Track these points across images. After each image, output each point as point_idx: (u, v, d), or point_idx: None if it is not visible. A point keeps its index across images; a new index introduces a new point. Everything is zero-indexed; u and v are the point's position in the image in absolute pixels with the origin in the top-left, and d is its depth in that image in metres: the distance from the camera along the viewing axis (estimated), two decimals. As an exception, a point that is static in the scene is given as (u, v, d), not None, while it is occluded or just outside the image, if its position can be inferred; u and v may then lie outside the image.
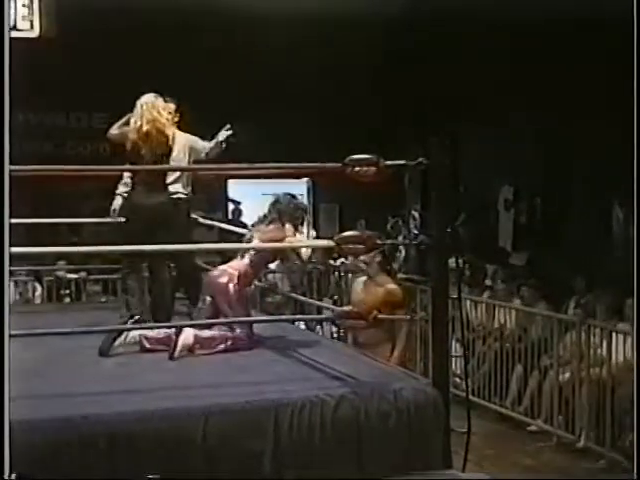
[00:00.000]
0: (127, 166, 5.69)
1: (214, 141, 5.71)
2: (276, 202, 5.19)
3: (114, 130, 5.73)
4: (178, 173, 5.75)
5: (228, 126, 5.73)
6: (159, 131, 5.47)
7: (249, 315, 5.23)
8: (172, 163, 5.62)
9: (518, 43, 10.20)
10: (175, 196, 5.77)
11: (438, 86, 11.69)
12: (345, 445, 3.81)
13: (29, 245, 4.27)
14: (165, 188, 5.63)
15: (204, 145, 5.78)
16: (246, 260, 5.05)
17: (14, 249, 3.02)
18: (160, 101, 5.55)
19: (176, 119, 5.84)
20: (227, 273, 5.00)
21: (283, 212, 5.11)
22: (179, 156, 5.71)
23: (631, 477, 3.66)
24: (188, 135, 5.89)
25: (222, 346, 4.77)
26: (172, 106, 5.78)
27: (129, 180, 5.77)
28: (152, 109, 5.49)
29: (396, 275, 6.92)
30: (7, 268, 2.86)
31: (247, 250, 5.10)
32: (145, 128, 5.46)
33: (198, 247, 5.48)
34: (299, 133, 12.21)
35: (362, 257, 5.76)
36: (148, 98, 5.55)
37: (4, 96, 2.82)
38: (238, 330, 4.86)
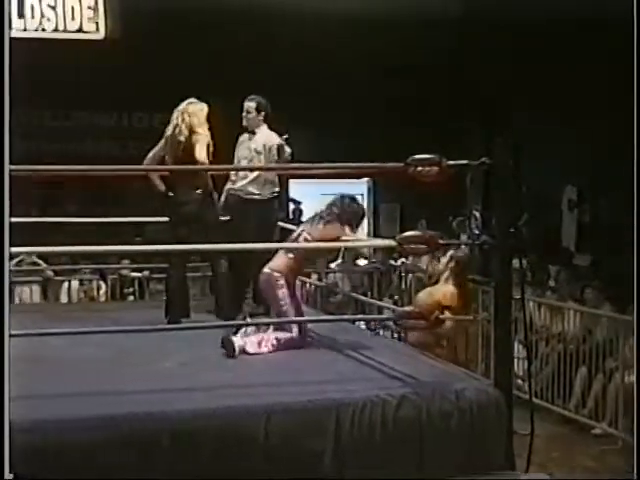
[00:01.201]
0: (135, 166, 5.85)
1: (277, 149, 5.80)
2: (334, 202, 5.18)
3: (148, 159, 5.92)
4: (254, 174, 5.84)
5: (286, 136, 5.80)
6: (177, 134, 5.66)
7: (301, 311, 5.23)
8: (243, 162, 5.72)
9: (584, 41, 10.07)
10: (248, 196, 5.85)
11: (502, 85, 11.60)
12: (406, 445, 3.80)
13: (96, 244, 4.38)
14: (196, 187, 5.71)
15: (275, 151, 5.84)
16: (290, 254, 5.05)
17: (14, 249, 3.05)
18: (192, 107, 5.69)
19: (259, 118, 5.91)
20: (271, 276, 5.00)
21: (341, 212, 5.11)
22: (254, 154, 5.80)
23: (631, 477, 3.59)
24: (271, 136, 5.93)
25: (273, 345, 4.80)
26: (251, 105, 5.89)
27: (234, 177, 5.94)
28: (181, 114, 5.68)
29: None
30: (7, 268, 2.88)
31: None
32: (168, 132, 5.72)
33: (250, 247, 5.48)
34: (361, 133, 12.20)
35: (439, 266, 5.80)
36: (182, 105, 5.75)
37: (4, 96, 2.83)
38: (291, 329, 4.89)
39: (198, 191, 5.72)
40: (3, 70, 2.84)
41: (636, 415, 4.00)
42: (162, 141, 5.84)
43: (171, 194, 5.76)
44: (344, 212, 5.09)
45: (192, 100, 5.75)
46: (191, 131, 5.62)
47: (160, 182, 5.81)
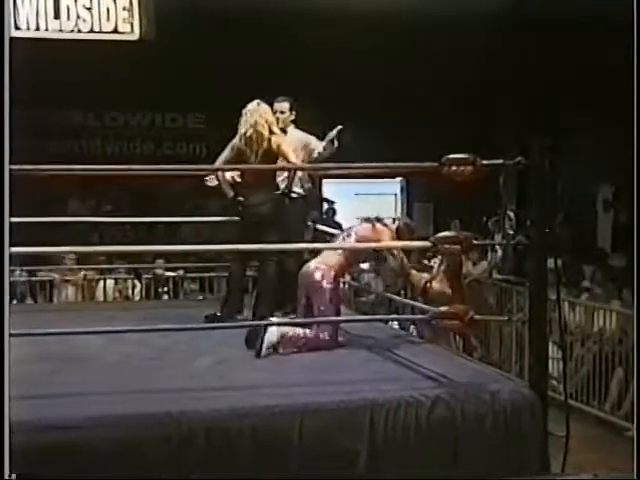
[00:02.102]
0: (147, 166, 5.87)
1: (326, 140, 5.81)
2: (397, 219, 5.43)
3: (221, 160, 5.87)
4: (285, 173, 5.87)
5: (339, 127, 5.80)
6: (258, 134, 5.63)
7: (339, 314, 5.23)
8: (279, 161, 5.75)
9: (620, 39, 9.97)
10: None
11: (538, 85, 11.54)
12: (440, 446, 3.79)
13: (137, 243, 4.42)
14: (272, 188, 5.77)
15: (317, 144, 5.88)
16: (340, 252, 5.09)
17: (13, 249, 3.06)
18: (262, 107, 5.70)
19: (292, 117, 5.99)
20: (321, 269, 5.02)
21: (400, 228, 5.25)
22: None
23: (631, 477, 3.56)
24: (303, 134, 5.98)
25: (305, 345, 4.80)
26: (285, 105, 5.96)
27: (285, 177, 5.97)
28: (254, 114, 5.67)
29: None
30: (7, 268, 2.89)
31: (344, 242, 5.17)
32: (248, 133, 5.65)
33: (289, 247, 5.50)
34: (398, 133, 12.18)
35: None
36: (251, 105, 5.73)
37: (4, 96, 2.84)
38: (325, 329, 4.88)
39: (278, 191, 5.79)
40: (3, 70, 2.84)
41: (636, 414, 3.97)
42: (235, 143, 5.77)
43: (241, 198, 5.77)
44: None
45: (258, 101, 5.76)
46: (270, 131, 5.64)
47: (228, 186, 5.84)
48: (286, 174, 5.95)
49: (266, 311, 5.63)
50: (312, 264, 5.09)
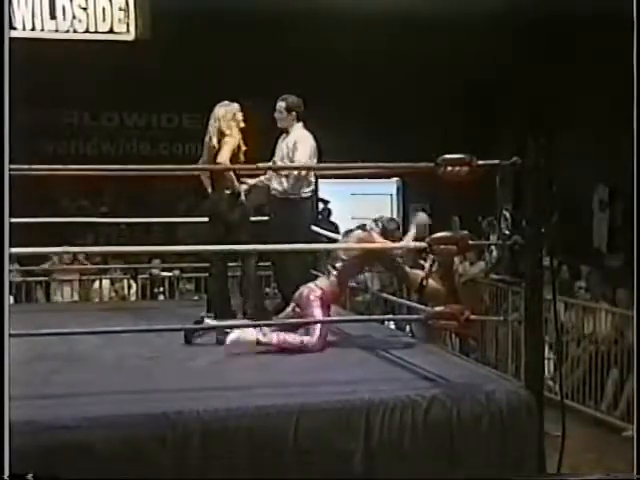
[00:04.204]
0: (138, 166, 5.91)
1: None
2: (378, 219, 5.31)
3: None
4: (284, 173, 5.86)
5: None
6: (210, 138, 5.71)
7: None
8: (278, 161, 5.73)
9: (615, 39, 9.99)
10: (282, 195, 5.88)
11: (535, 85, 11.56)
12: (436, 446, 3.79)
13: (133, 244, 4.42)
14: (224, 188, 5.75)
15: (300, 157, 5.82)
16: (332, 278, 5.09)
17: (13, 249, 3.06)
18: (221, 110, 5.71)
19: (291, 117, 5.92)
20: (313, 294, 5.00)
21: (384, 228, 5.22)
22: (284, 154, 5.83)
23: (631, 477, 3.56)
24: (303, 135, 5.91)
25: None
26: (281, 104, 5.90)
27: (268, 176, 5.98)
28: (212, 118, 5.73)
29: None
30: (7, 268, 2.89)
31: (333, 269, 5.13)
32: (208, 135, 5.74)
33: (284, 247, 5.49)
34: (395, 133, 12.18)
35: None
36: (216, 107, 5.76)
37: (4, 96, 2.84)
38: (306, 333, 4.87)
39: (227, 191, 5.77)
40: (3, 70, 2.84)
41: (636, 413, 3.98)
42: (205, 140, 5.83)
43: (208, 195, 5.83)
44: (386, 228, 5.27)
45: (223, 103, 5.76)
46: (220, 135, 5.65)
47: (208, 183, 5.88)
48: (271, 173, 5.94)
49: (252, 308, 5.61)
50: (307, 285, 5.07)
